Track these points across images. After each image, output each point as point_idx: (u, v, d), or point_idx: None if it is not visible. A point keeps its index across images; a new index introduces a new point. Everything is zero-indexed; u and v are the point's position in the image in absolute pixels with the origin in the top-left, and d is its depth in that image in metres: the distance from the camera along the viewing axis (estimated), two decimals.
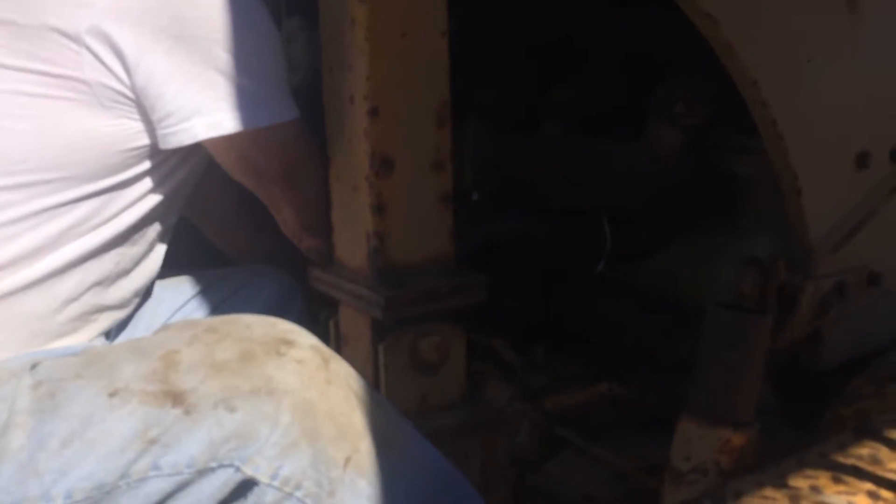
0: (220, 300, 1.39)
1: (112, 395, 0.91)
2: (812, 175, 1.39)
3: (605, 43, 1.72)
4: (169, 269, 1.31)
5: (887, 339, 1.55)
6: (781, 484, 1.01)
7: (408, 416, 1.10)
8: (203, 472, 0.90)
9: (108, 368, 0.94)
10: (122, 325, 1.28)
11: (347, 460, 0.94)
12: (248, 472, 0.91)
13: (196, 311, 1.38)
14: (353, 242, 1.16)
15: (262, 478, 0.91)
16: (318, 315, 1.32)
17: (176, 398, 0.90)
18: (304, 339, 0.99)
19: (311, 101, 1.20)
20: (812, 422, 1.49)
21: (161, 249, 1.25)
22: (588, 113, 1.74)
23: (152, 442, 0.90)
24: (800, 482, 1.02)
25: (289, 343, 0.97)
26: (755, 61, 1.29)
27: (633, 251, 1.48)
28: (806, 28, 1.35)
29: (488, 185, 1.79)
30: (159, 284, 1.34)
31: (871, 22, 1.42)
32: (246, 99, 1.08)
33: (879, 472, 1.04)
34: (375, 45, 1.07)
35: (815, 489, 1.00)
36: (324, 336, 1.26)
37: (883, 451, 1.11)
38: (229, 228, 1.50)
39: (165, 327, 1.05)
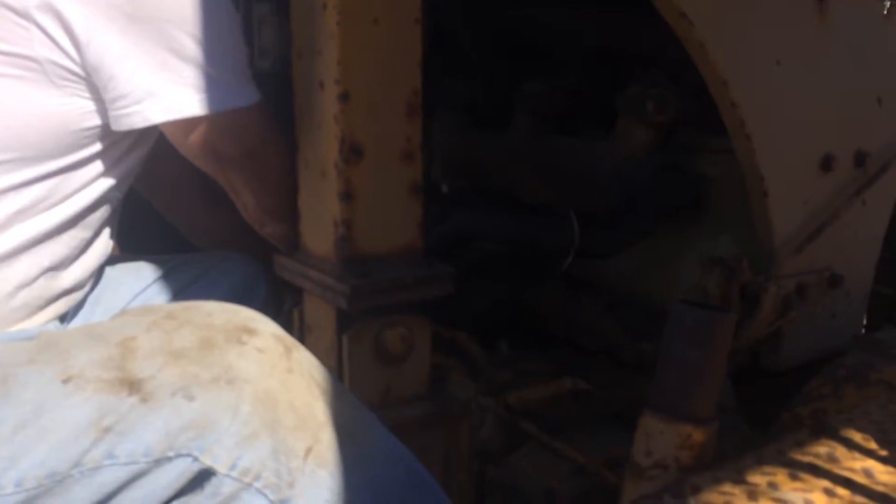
0: (183, 285, 1.37)
1: (66, 381, 0.89)
2: (778, 177, 1.41)
3: (575, 41, 1.72)
4: (131, 252, 1.28)
5: (845, 341, 1.58)
6: (740, 480, 1.02)
7: (371, 408, 1.09)
8: (160, 462, 0.88)
9: (63, 354, 0.92)
10: (78, 309, 1.25)
11: (308, 451, 0.93)
12: (206, 462, 0.89)
13: (157, 296, 1.35)
14: (319, 230, 1.15)
15: (220, 468, 0.89)
16: (283, 303, 1.31)
17: (132, 386, 0.88)
18: (266, 328, 0.97)
19: (281, 87, 1.19)
20: (770, 421, 1.51)
21: (112, 231, 1.22)
22: (557, 110, 1.74)
23: (107, 430, 0.87)
24: (758, 478, 1.02)
25: (250, 331, 0.95)
26: (726, 62, 1.30)
27: (600, 249, 1.48)
28: (776, 30, 1.37)
29: (456, 178, 1.78)
30: (119, 268, 1.31)
31: (838, 27, 1.44)
32: (203, 82, 1.05)
33: (836, 470, 1.05)
34: (347, 31, 1.06)
35: (773, 486, 1.01)
36: (288, 325, 1.25)
37: (839, 450, 1.12)
38: (190, 206, 1.47)
39: (123, 312, 1.02)
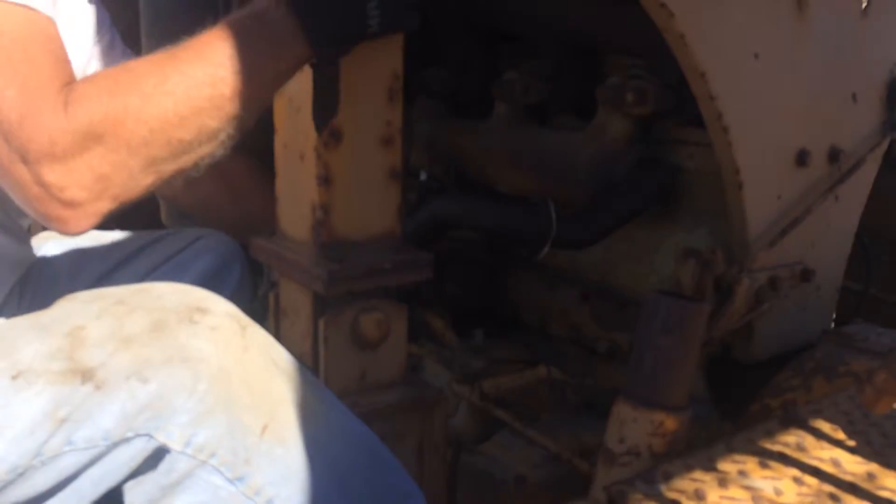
0: (152, 267, 1.35)
1: (15, 377, 0.87)
2: (753, 170, 1.42)
3: (554, 29, 1.73)
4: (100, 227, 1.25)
5: (815, 334, 1.60)
6: (710, 468, 1.03)
7: (346, 394, 1.09)
8: (118, 444, 0.88)
9: (9, 349, 0.90)
10: (37, 293, 1.23)
11: (264, 428, 0.92)
12: (161, 439, 0.88)
13: (123, 279, 1.33)
14: (296, 214, 1.15)
15: (175, 445, 0.89)
16: (257, 287, 1.30)
17: (85, 375, 0.87)
18: (219, 307, 0.96)
19: None
20: (740, 412, 1.53)
21: None
22: (535, 98, 1.74)
23: (63, 420, 0.87)
24: (728, 466, 1.04)
25: (203, 310, 0.94)
26: (705, 54, 1.30)
27: (577, 238, 1.48)
28: (755, 24, 1.37)
29: (434, 166, 1.78)
30: (82, 248, 1.29)
31: (816, 22, 1.45)
32: None
33: (804, 459, 1.06)
34: None
35: (743, 473, 1.02)
36: (262, 309, 1.24)
37: (808, 440, 1.14)
38: None
39: (70, 298, 0.99)
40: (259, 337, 0.97)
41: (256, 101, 0.96)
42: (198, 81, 0.92)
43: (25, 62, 0.90)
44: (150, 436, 0.88)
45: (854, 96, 1.59)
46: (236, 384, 0.91)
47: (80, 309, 0.94)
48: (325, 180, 1.09)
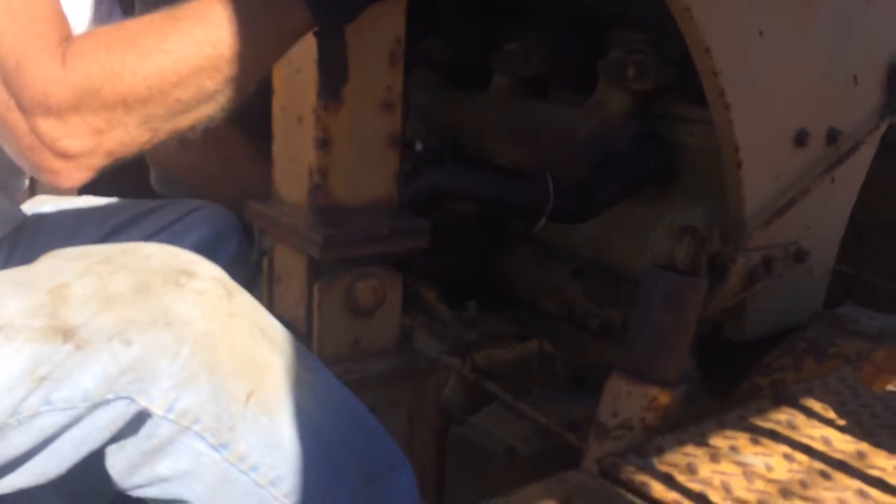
0: (146, 236, 1.33)
1: None
2: (752, 148, 1.41)
3: (557, 3, 1.71)
4: (93, 193, 1.24)
5: (806, 315, 1.61)
6: (702, 443, 1.03)
7: (339, 360, 1.08)
8: (98, 405, 0.87)
9: None
10: (27, 254, 1.21)
11: (249, 395, 0.91)
12: (142, 403, 0.87)
13: None
14: (293, 177, 1.13)
15: (157, 410, 0.87)
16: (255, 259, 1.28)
17: (66, 333, 0.86)
18: (206, 270, 0.94)
19: None
20: (729, 390, 1.54)
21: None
22: (535, 71, 1.72)
23: (42, 379, 0.85)
24: (719, 442, 1.04)
25: (189, 274, 0.93)
26: (710, 29, 1.29)
27: (575, 213, 1.48)
28: (761, 1, 1.36)
29: (431, 137, 1.76)
30: (78, 212, 1.27)
31: (822, 3, 1.44)
32: None
33: (795, 436, 1.07)
34: None
35: (734, 449, 1.03)
36: (257, 274, 1.23)
37: (799, 418, 1.14)
38: None
39: (55, 255, 0.97)
40: (245, 302, 0.95)
41: (256, 66, 0.95)
42: (197, 41, 0.90)
43: (25, 10, 0.88)
44: (131, 399, 0.87)
45: (855, 79, 1.58)
46: (221, 350, 0.90)
47: (64, 266, 0.92)
48: (324, 143, 1.08)
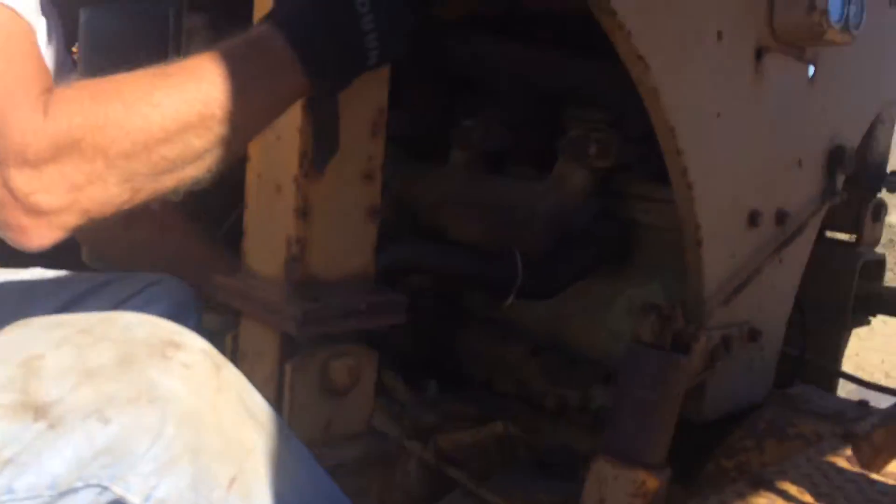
0: (103, 309, 1.23)
1: None
2: (712, 227, 1.43)
3: (517, 78, 1.72)
4: (46, 266, 1.14)
5: (760, 395, 1.61)
6: None
7: (311, 444, 1.00)
8: (64, 494, 0.78)
9: None
10: None
11: (232, 481, 0.84)
12: (118, 491, 0.79)
13: None
14: (268, 249, 1.06)
15: (133, 498, 0.79)
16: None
17: (38, 410, 0.78)
18: (194, 342, 0.88)
19: None
20: (691, 472, 1.52)
21: None
22: (493, 146, 1.72)
23: (7, 462, 0.76)
24: None
25: (176, 345, 0.86)
26: (675, 109, 1.31)
27: (541, 289, 1.45)
28: (718, 84, 1.40)
29: (388, 209, 1.72)
30: (27, 284, 1.17)
31: (770, 87, 1.50)
32: None
33: None
34: None
35: None
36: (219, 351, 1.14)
37: (778, 502, 1.12)
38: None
39: (24, 324, 0.89)
40: (234, 378, 0.89)
41: (247, 129, 0.90)
42: (187, 97, 0.84)
43: (4, 60, 0.81)
44: (103, 487, 0.78)
45: (800, 162, 1.64)
46: (207, 429, 0.83)
47: (37, 336, 0.84)
48: (304, 213, 1.02)
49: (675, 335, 1.40)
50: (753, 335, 1.57)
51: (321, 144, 0.95)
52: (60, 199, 0.81)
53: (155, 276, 1.27)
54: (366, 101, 1.06)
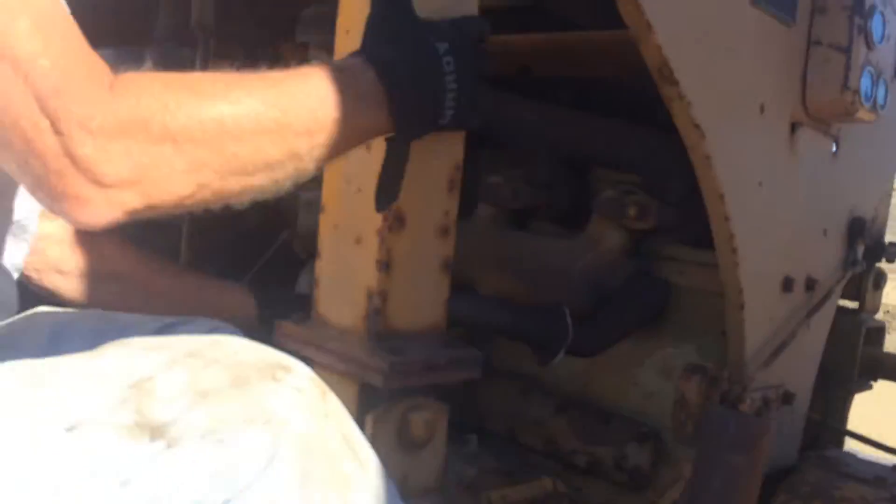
0: None
1: (71, 429, 0.76)
2: (753, 291, 1.46)
3: (539, 140, 1.75)
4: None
5: (791, 457, 1.63)
6: None
7: None
8: None
9: (58, 396, 0.78)
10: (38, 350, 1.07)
11: None
12: None
13: None
14: (345, 300, 1.06)
15: None
16: None
17: (154, 431, 0.77)
18: (301, 367, 0.88)
19: None
20: None
21: None
22: (523, 205, 1.75)
23: (125, 483, 0.75)
24: None
25: (285, 368, 0.86)
26: (725, 177, 1.35)
27: (588, 347, 1.46)
28: (761, 154, 1.45)
29: None
30: (95, 317, 1.15)
31: (802, 159, 1.55)
32: None
33: None
34: None
35: None
36: None
37: None
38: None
39: (121, 344, 0.87)
40: (338, 406, 0.89)
41: (324, 151, 0.85)
42: (267, 103, 0.80)
43: (58, 35, 0.74)
44: None
45: (825, 231, 1.70)
46: (316, 455, 0.82)
47: (140, 357, 0.84)
48: (386, 266, 1.03)
49: (722, 396, 1.42)
50: (787, 398, 1.60)
51: (387, 189, 0.95)
52: (125, 173, 0.74)
53: (215, 322, 1.25)
54: (444, 157, 1.08)
